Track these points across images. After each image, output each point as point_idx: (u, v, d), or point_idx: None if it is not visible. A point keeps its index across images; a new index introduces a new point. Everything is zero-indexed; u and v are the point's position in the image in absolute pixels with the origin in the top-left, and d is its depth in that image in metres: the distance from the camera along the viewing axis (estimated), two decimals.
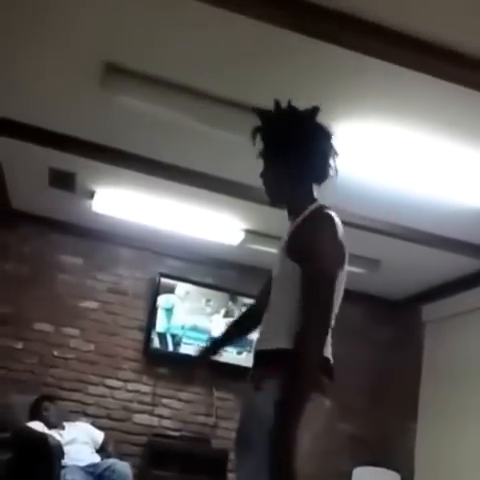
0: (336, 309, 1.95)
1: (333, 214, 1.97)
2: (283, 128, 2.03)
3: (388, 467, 5.75)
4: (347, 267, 2.04)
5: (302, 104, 2.02)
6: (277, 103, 2.04)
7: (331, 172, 2.06)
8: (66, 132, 3.91)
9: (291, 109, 2.03)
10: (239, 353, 5.78)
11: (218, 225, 5.09)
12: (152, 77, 3.16)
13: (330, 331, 1.92)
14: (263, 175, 2.10)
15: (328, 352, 1.95)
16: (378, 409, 6.09)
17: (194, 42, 2.87)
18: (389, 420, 5.97)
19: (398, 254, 5.10)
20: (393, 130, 3.25)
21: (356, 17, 2.49)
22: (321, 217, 1.96)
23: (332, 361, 1.97)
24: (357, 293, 6.15)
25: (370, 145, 3.38)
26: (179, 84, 3.18)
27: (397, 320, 6.26)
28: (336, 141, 2.07)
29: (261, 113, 2.06)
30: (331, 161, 2.05)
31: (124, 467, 4.58)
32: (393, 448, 5.85)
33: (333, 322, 1.92)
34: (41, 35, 3.00)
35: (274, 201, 2.13)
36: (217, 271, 6.00)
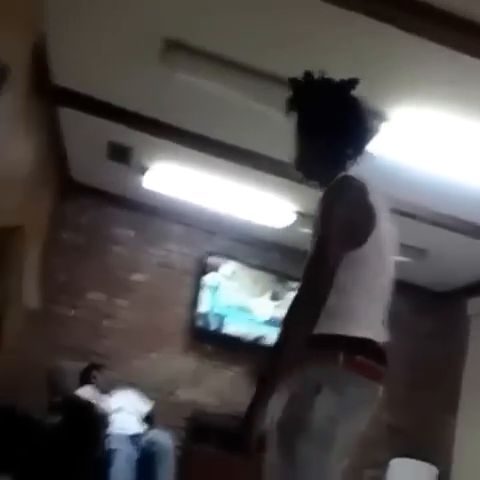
0: (385, 288, 1.90)
1: (358, 182, 1.82)
2: (317, 98, 1.95)
3: (425, 460, 5.70)
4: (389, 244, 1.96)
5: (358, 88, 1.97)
6: (309, 74, 1.94)
7: (365, 150, 1.96)
8: (125, 105, 3.98)
9: (325, 79, 1.94)
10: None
11: (269, 206, 5.09)
12: (211, 54, 3.17)
13: (382, 313, 1.83)
14: (296, 148, 1.99)
15: (377, 335, 1.81)
16: (418, 400, 6.04)
17: (256, 21, 2.89)
18: (428, 412, 5.91)
19: (446, 244, 5.02)
20: (448, 118, 3.19)
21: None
22: (339, 185, 1.81)
23: (382, 345, 1.83)
24: (401, 282, 6.10)
25: (423, 132, 3.33)
26: (238, 62, 3.20)
27: (441, 312, 6.16)
28: (381, 122, 2.00)
29: (295, 83, 1.97)
30: (366, 137, 1.95)
31: (166, 439, 4.66)
32: (431, 441, 5.78)
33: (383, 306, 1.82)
34: (106, 10, 3.07)
35: (307, 175, 2.02)
36: (265, 253, 6.03)
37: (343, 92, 1.94)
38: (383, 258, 1.90)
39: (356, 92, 1.98)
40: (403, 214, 4.24)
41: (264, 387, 1.72)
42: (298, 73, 3.13)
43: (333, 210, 1.76)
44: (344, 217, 1.76)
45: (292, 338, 1.68)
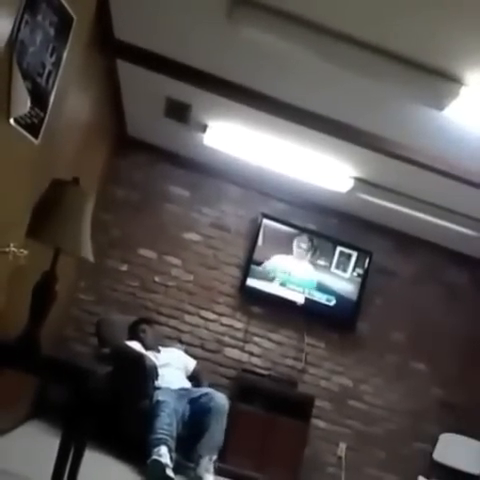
0: None
1: None
2: None
3: (475, 437, 5.64)
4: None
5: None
6: None
7: None
8: (187, 62, 3.91)
9: None
10: (330, 301, 5.78)
11: (328, 170, 4.99)
12: (279, 10, 3.07)
13: None
14: None
15: None
16: (471, 377, 5.95)
17: None
18: None
19: None
20: None
21: None
22: None
23: None
24: (463, 255, 5.96)
25: None
26: (306, 19, 3.07)
27: None
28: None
29: None
30: None
31: (222, 398, 4.68)
32: None
33: None
34: None
35: None
36: (321, 217, 5.95)
37: None
38: None
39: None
40: (472, 184, 4.11)
41: None
42: (371, 34, 3.02)
43: None
44: None
45: None
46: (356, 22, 2.97)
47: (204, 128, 4.82)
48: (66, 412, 2.68)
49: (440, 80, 3.13)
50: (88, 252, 2.76)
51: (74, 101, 3.41)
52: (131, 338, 4.98)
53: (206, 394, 4.66)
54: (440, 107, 3.33)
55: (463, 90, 3.14)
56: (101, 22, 3.48)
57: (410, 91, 3.31)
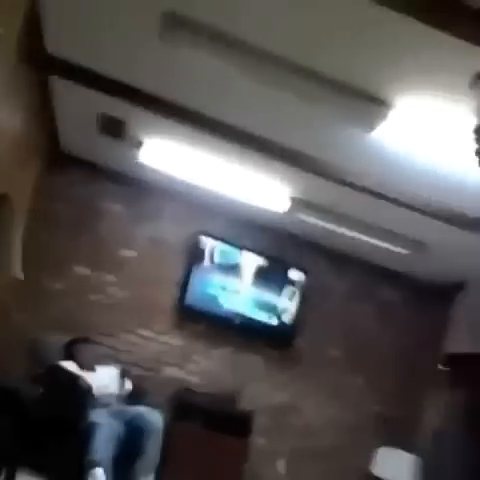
0: None
1: None
2: None
3: (410, 450, 5.73)
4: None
5: None
6: None
7: None
8: (121, 79, 3.89)
9: None
10: (269, 318, 5.82)
11: (265, 190, 5.02)
12: (209, 30, 3.07)
13: None
14: None
15: None
16: (405, 390, 6.07)
17: None
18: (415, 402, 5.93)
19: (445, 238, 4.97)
20: (450, 108, 3.12)
21: None
22: None
23: None
24: (396, 272, 6.12)
25: (426, 121, 3.27)
26: (236, 39, 3.10)
27: (434, 305, 6.14)
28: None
29: None
30: None
31: (156, 417, 4.65)
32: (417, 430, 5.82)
33: None
34: None
35: None
36: (258, 236, 5.99)
37: None
38: None
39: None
40: (402, 205, 4.23)
41: None
42: (302, 56, 3.07)
43: None
44: None
45: None
46: (285, 43, 3.01)
47: (139, 145, 4.80)
48: None
49: (368, 103, 3.21)
50: (18, 270, 2.71)
51: (2, 116, 3.34)
52: (66, 358, 4.88)
53: (140, 414, 4.62)
54: (369, 129, 3.42)
55: (391, 113, 3.22)
56: (31, 37, 3.43)
57: (340, 113, 3.39)
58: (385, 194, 4.25)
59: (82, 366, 4.84)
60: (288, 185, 4.85)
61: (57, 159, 5.56)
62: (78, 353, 4.93)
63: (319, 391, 5.99)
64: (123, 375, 5.15)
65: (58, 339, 5.07)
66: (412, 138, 3.47)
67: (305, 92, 3.26)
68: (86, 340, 5.15)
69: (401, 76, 2.99)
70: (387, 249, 5.44)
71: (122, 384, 5.05)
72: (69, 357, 4.89)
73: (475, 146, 1.71)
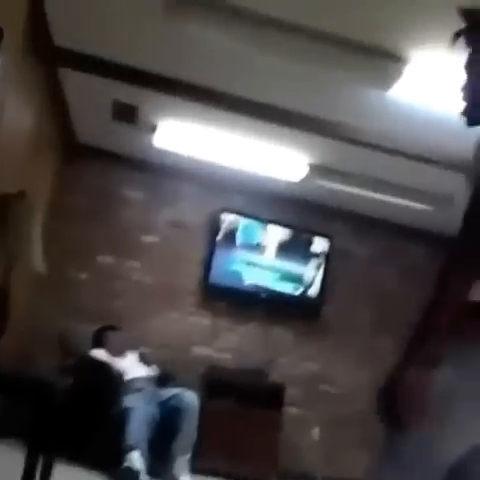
0: None
1: None
2: None
3: None
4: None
5: None
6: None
7: None
8: (130, 63, 3.86)
9: None
10: (295, 289, 5.82)
11: (282, 160, 4.99)
12: (215, 3, 3.05)
13: None
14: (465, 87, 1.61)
15: None
16: None
17: None
18: None
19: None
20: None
21: None
22: None
23: None
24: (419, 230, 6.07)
25: (444, 74, 3.20)
26: (245, 10, 3.05)
27: None
28: None
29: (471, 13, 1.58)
30: None
31: (191, 396, 4.68)
32: None
33: None
34: None
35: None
36: (279, 207, 5.95)
37: None
38: None
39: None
40: (422, 160, 4.18)
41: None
42: (310, 19, 3.02)
43: None
44: None
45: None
46: (295, 8, 2.97)
47: (153, 128, 4.78)
48: (30, 428, 2.65)
49: (383, 60, 3.16)
50: (40, 265, 2.73)
51: (14, 113, 3.34)
52: (96, 347, 4.93)
53: (175, 395, 4.65)
54: (385, 87, 3.37)
55: (407, 69, 3.17)
56: (37, 31, 3.41)
57: (354, 74, 3.35)
58: (403, 151, 4.20)
59: (112, 353, 4.88)
60: (305, 152, 4.82)
61: (73, 151, 5.55)
62: (107, 341, 4.97)
63: (349, 358, 5.98)
64: (145, 359, 5.18)
65: (87, 328, 5.12)
66: (429, 92, 3.41)
67: (317, 56, 3.21)
68: (114, 327, 5.19)
69: (414, 29, 2.93)
70: (411, 208, 5.36)
71: (153, 367, 5.09)
72: (99, 345, 4.94)
73: (463, 104, 1.64)
